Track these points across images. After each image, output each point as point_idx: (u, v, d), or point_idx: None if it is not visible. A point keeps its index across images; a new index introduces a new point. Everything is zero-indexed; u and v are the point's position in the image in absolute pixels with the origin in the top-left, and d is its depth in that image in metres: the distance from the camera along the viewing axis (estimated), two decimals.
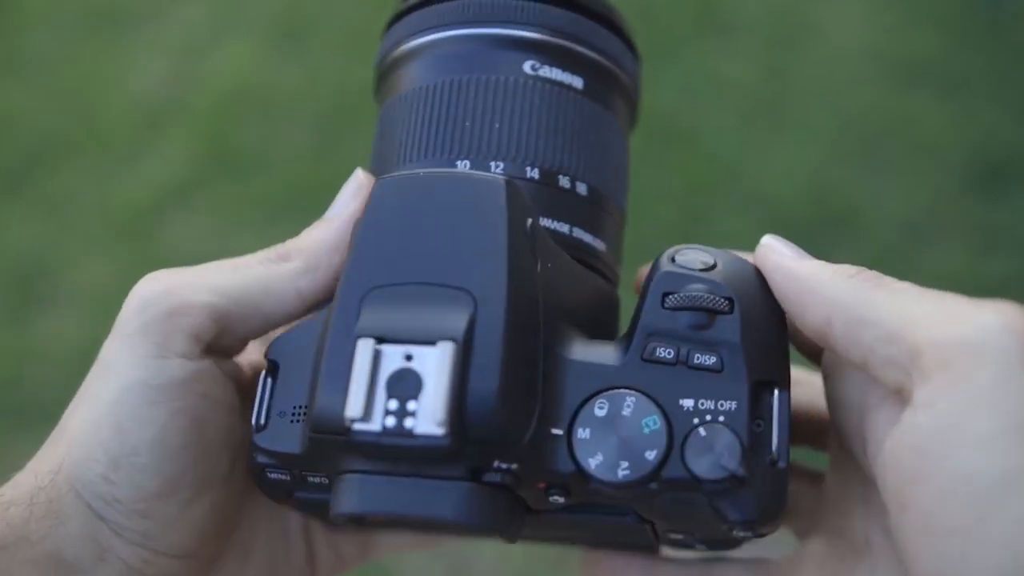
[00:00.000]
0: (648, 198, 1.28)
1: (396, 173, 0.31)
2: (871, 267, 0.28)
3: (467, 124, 0.33)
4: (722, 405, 0.28)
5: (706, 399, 0.28)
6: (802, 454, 0.36)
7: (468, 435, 0.26)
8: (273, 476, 0.30)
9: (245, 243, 0.34)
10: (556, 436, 0.28)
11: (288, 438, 0.29)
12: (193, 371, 0.30)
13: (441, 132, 0.33)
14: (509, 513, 0.28)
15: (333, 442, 0.27)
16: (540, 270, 0.29)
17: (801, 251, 0.30)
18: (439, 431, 0.26)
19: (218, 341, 0.31)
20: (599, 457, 0.27)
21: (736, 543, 0.32)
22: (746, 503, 0.27)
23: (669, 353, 0.28)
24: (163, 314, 0.30)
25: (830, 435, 0.32)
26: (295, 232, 0.33)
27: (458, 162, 0.33)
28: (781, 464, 0.28)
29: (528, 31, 0.34)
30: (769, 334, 0.29)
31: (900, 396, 0.26)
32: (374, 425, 0.26)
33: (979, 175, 1.35)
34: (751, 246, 0.31)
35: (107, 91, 1.57)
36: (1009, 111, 1.40)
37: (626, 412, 0.28)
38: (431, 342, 0.27)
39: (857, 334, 0.27)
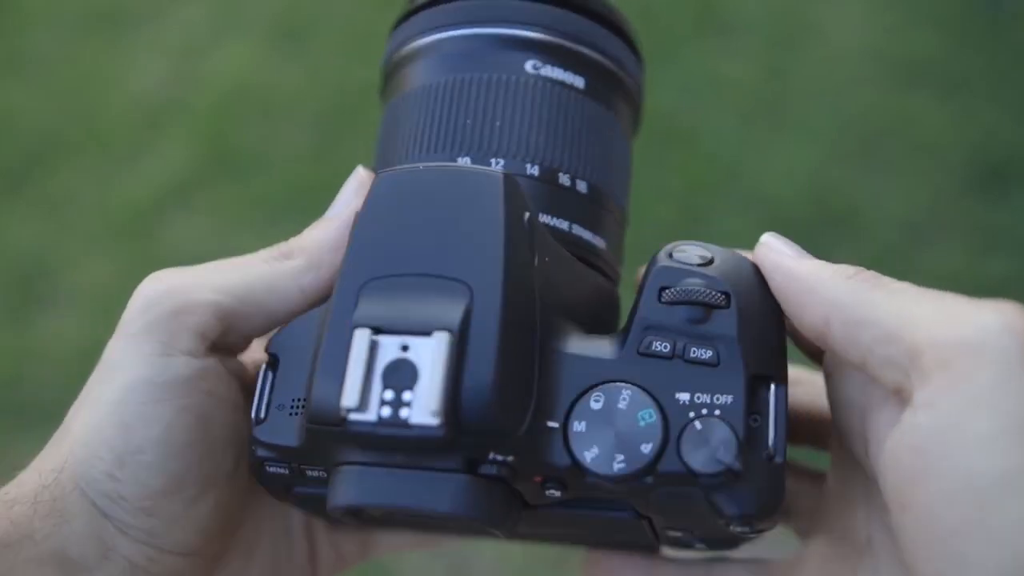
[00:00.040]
0: (648, 198, 1.28)
1: (396, 167, 0.31)
2: (871, 267, 0.28)
3: (468, 122, 0.33)
4: (718, 399, 0.28)
5: (702, 393, 0.28)
6: (804, 454, 0.36)
7: (463, 426, 0.26)
8: (272, 470, 0.31)
9: (245, 243, 0.34)
10: (552, 429, 0.28)
11: (287, 431, 0.29)
12: (198, 369, 0.30)
13: (442, 130, 0.33)
14: (505, 506, 0.28)
15: (330, 433, 0.27)
16: (537, 264, 0.29)
17: (801, 250, 0.30)
18: (434, 421, 0.26)
19: (223, 339, 0.32)
20: (595, 450, 0.27)
21: (735, 542, 0.32)
22: (742, 498, 0.27)
23: (665, 347, 0.28)
24: (168, 312, 0.30)
25: (831, 435, 0.32)
26: (295, 232, 0.34)
27: (459, 159, 0.33)
28: (778, 459, 0.28)
29: (530, 31, 0.35)
30: (766, 329, 0.29)
31: (900, 396, 0.26)
32: (370, 415, 0.26)
33: (979, 175, 1.35)
34: (751, 246, 0.31)
35: (107, 91, 1.57)
36: (1009, 111, 1.40)
37: (622, 405, 0.28)
38: (427, 333, 0.27)
39: (856, 334, 0.27)
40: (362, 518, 0.30)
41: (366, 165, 0.35)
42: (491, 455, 0.27)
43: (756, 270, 0.30)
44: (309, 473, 0.30)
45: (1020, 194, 1.33)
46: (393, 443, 0.27)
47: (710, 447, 0.27)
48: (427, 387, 0.26)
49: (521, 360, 0.28)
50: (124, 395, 0.30)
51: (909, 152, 1.38)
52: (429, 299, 0.27)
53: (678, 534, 0.31)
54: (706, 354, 0.28)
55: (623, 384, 0.28)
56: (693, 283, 0.29)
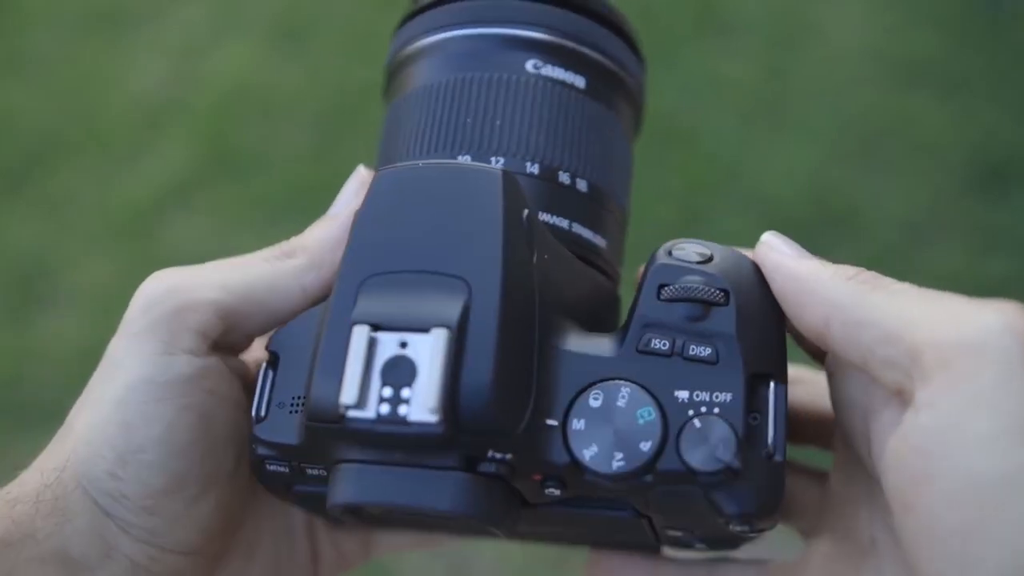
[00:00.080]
0: (648, 198, 1.28)
1: (395, 165, 0.31)
2: (871, 267, 0.28)
3: (468, 121, 0.33)
4: (717, 397, 0.27)
5: (701, 391, 0.28)
6: (807, 453, 0.36)
7: (462, 423, 0.26)
8: (272, 468, 0.31)
9: (245, 243, 0.34)
10: (551, 427, 0.28)
11: (287, 429, 0.29)
12: (200, 368, 0.30)
13: (443, 129, 0.34)
14: (504, 504, 0.28)
15: (329, 430, 0.27)
16: (536, 261, 0.29)
17: (801, 249, 0.30)
18: (432, 418, 0.26)
19: (224, 338, 0.32)
20: (594, 448, 0.27)
21: (736, 542, 0.32)
22: (742, 496, 0.27)
23: (664, 344, 0.28)
24: (170, 311, 0.30)
25: (835, 434, 0.32)
26: (295, 232, 0.34)
27: (459, 157, 0.33)
28: (778, 458, 0.28)
29: (531, 31, 0.35)
30: (766, 327, 0.29)
31: (901, 397, 0.26)
32: (368, 412, 0.26)
33: (979, 175, 1.35)
34: (751, 246, 0.31)
35: (107, 91, 1.57)
36: (1009, 111, 1.40)
37: (621, 403, 0.28)
38: (425, 329, 0.27)
39: (856, 335, 0.27)
40: (362, 516, 0.30)
41: (367, 165, 0.35)
42: (490, 453, 0.27)
43: (756, 268, 0.30)
44: (309, 471, 0.30)
45: (1020, 194, 1.33)
46: (392, 440, 0.27)
47: (709, 445, 0.27)
48: (425, 384, 0.26)
49: (520, 357, 0.28)
50: (126, 394, 0.30)
51: (909, 152, 1.38)
52: (428, 296, 0.27)
53: (678, 534, 0.31)
54: (705, 352, 0.28)
55: (622, 382, 0.28)
56: (692, 280, 0.29)
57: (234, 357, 0.33)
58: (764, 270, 0.30)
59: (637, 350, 0.28)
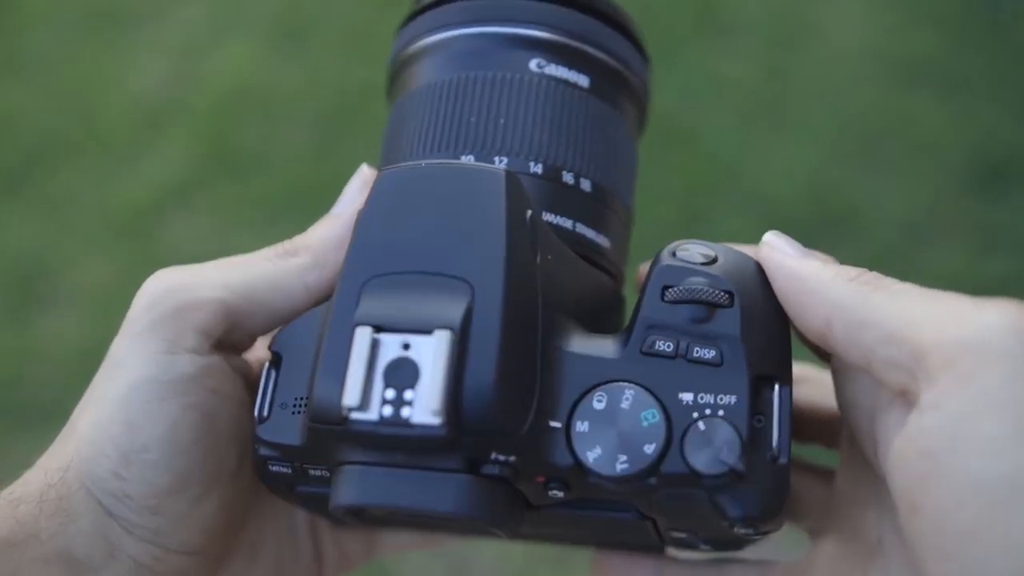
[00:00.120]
0: (648, 198, 1.27)
1: (398, 165, 0.31)
2: (871, 267, 0.28)
3: (472, 120, 0.33)
4: (722, 399, 0.27)
5: (705, 393, 0.27)
6: (813, 452, 0.36)
7: (464, 425, 0.26)
8: (275, 469, 0.30)
9: (245, 243, 0.34)
10: (554, 429, 0.28)
11: (289, 429, 0.29)
12: (203, 367, 0.30)
13: (446, 128, 0.33)
14: (507, 506, 0.28)
15: (331, 432, 0.27)
16: (540, 262, 0.29)
17: (804, 249, 0.30)
18: (435, 420, 0.26)
19: (227, 337, 0.32)
20: (597, 450, 0.27)
21: (741, 543, 0.32)
22: (746, 499, 0.27)
23: (668, 346, 0.28)
24: (173, 310, 0.30)
25: (841, 434, 0.32)
26: (295, 232, 0.34)
27: (462, 156, 0.33)
28: (782, 460, 0.28)
29: (534, 30, 0.35)
30: (770, 329, 0.29)
31: (906, 398, 0.26)
32: (371, 414, 0.26)
33: (979, 175, 1.35)
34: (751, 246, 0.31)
35: (107, 91, 1.57)
36: (1009, 111, 1.40)
37: (625, 405, 0.27)
38: (428, 331, 0.27)
39: (858, 336, 0.27)
40: (364, 518, 0.30)
41: (369, 164, 0.35)
42: (493, 455, 0.27)
43: (760, 269, 0.30)
44: (312, 472, 0.30)
45: (1020, 194, 1.33)
46: (395, 442, 0.27)
47: (713, 448, 0.27)
48: (428, 386, 0.26)
49: (523, 359, 0.28)
50: (129, 393, 0.30)
51: (909, 152, 1.38)
52: (431, 297, 0.27)
53: (682, 535, 0.31)
54: (709, 354, 0.28)
55: (626, 384, 0.28)
56: (696, 282, 0.28)
57: (237, 356, 0.33)
58: (767, 270, 0.29)
59: (641, 352, 0.28)
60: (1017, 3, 1.52)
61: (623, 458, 0.27)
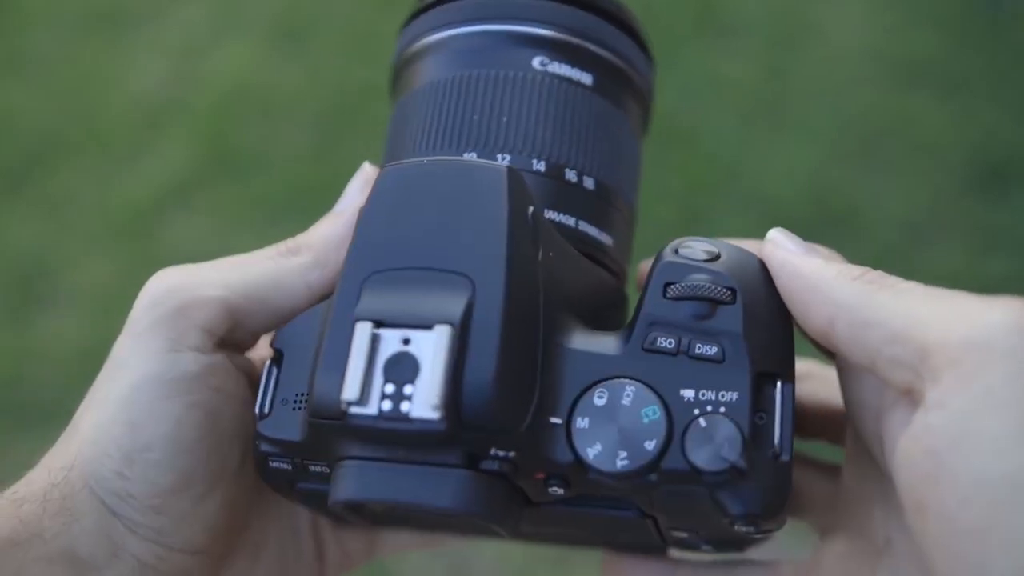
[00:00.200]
0: (648, 198, 1.27)
1: (400, 162, 0.31)
2: (871, 267, 0.28)
3: (475, 118, 0.33)
4: (723, 396, 0.27)
5: (707, 390, 0.27)
6: (817, 448, 0.36)
7: (464, 420, 0.26)
8: (275, 465, 0.31)
9: (245, 243, 0.34)
10: (555, 425, 0.28)
11: (290, 425, 0.29)
12: (206, 365, 0.30)
13: (449, 126, 0.33)
14: (506, 503, 0.28)
15: (331, 427, 0.27)
16: (541, 258, 0.29)
17: (808, 247, 0.29)
18: (434, 415, 0.26)
19: (230, 335, 0.32)
20: (598, 447, 0.27)
21: (742, 543, 0.32)
22: (747, 496, 0.27)
23: (670, 343, 0.28)
24: (175, 309, 0.30)
25: (846, 430, 0.32)
26: (295, 232, 0.34)
27: (465, 154, 0.33)
28: (784, 458, 0.27)
29: (538, 27, 0.35)
30: (773, 326, 0.29)
31: (911, 397, 0.26)
32: (370, 409, 0.26)
33: (979, 175, 1.35)
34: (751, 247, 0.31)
35: (107, 91, 1.57)
36: (1009, 111, 1.40)
37: (625, 402, 0.27)
38: (428, 326, 0.27)
39: (862, 336, 0.27)
40: (364, 514, 0.30)
41: (372, 162, 0.35)
42: (492, 450, 0.27)
43: (764, 266, 0.29)
44: (312, 468, 0.30)
45: (1020, 194, 1.33)
46: (394, 437, 0.27)
47: (714, 444, 0.27)
48: (428, 381, 0.26)
49: (523, 355, 0.28)
50: (132, 392, 0.30)
51: (909, 152, 1.38)
52: (431, 293, 0.27)
53: (683, 535, 0.31)
54: (711, 350, 0.28)
55: (627, 380, 0.28)
56: (699, 279, 0.28)
57: (240, 355, 0.33)
58: (770, 267, 0.29)
59: (643, 348, 0.28)
60: (1017, 3, 1.52)
61: (623, 454, 0.27)
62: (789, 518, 0.32)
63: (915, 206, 1.33)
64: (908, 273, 0.28)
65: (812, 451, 0.36)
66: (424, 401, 0.26)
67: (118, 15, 1.67)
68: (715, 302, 0.28)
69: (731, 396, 0.27)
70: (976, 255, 1.28)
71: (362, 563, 0.38)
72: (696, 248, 0.29)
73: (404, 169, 0.30)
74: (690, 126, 1.40)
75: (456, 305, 0.27)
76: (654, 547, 0.33)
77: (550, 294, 0.29)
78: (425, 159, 0.31)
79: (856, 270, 0.28)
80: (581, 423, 0.27)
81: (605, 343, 0.29)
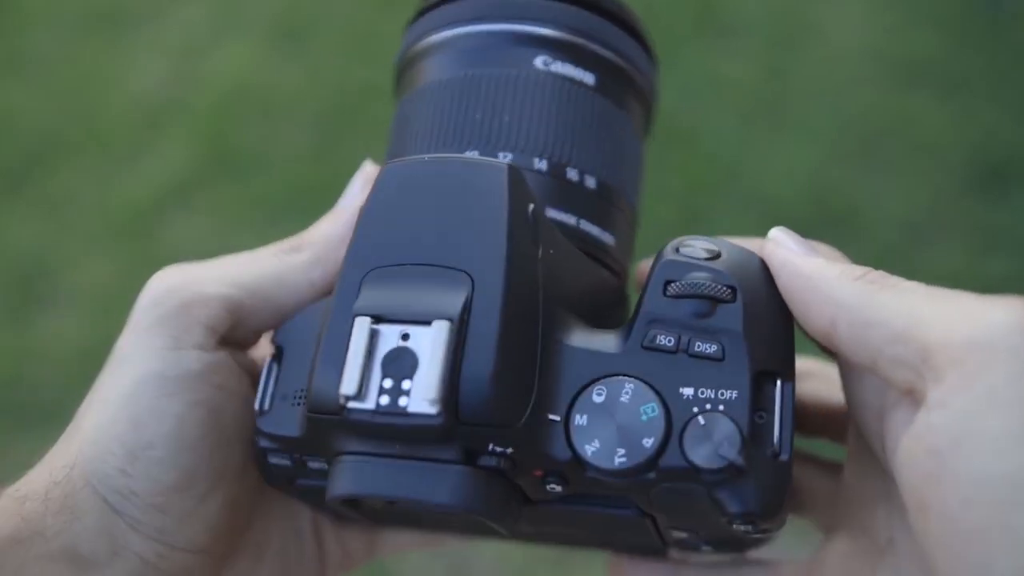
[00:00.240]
0: (648, 198, 1.27)
1: (401, 159, 0.31)
2: (872, 267, 0.28)
3: (477, 116, 0.33)
4: (723, 394, 0.27)
5: (706, 388, 0.27)
6: (818, 445, 0.36)
7: (461, 415, 0.26)
8: (274, 461, 0.31)
9: (245, 243, 0.34)
10: (553, 422, 0.28)
11: (289, 421, 0.29)
12: (209, 363, 0.31)
13: (451, 124, 0.34)
14: (504, 499, 0.28)
15: (329, 421, 0.27)
16: (542, 256, 0.29)
17: (810, 246, 0.29)
18: (432, 410, 0.26)
19: (233, 333, 0.32)
20: (596, 444, 0.27)
21: (741, 544, 0.32)
22: (746, 495, 0.27)
23: (670, 341, 0.28)
24: (178, 306, 0.30)
25: (848, 429, 0.32)
26: (295, 232, 0.34)
27: (467, 152, 0.33)
28: (783, 457, 0.27)
29: (540, 27, 0.35)
30: (774, 325, 0.29)
31: (913, 397, 0.26)
32: (368, 403, 0.27)
33: (979, 175, 1.35)
34: (751, 247, 0.31)
35: (107, 91, 1.57)
36: (1009, 111, 1.40)
37: (624, 399, 0.27)
38: (427, 322, 0.27)
39: (863, 336, 0.26)
40: (362, 511, 0.30)
41: (372, 161, 0.35)
42: (490, 446, 0.27)
43: (764, 265, 0.29)
44: (311, 465, 0.30)
45: (1020, 194, 1.33)
46: (391, 432, 0.27)
47: (713, 442, 0.26)
48: (426, 376, 0.26)
49: (522, 351, 0.28)
50: (135, 390, 0.30)
51: (909, 152, 1.38)
52: (430, 289, 0.27)
53: (683, 535, 0.31)
54: (711, 348, 0.28)
55: (626, 378, 0.28)
56: (699, 277, 0.28)
57: (242, 353, 0.33)
58: (771, 267, 0.29)
59: (642, 346, 0.28)
60: (1017, 3, 1.52)
61: (621, 451, 0.27)
62: (791, 516, 0.32)
63: (915, 206, 1.33)
64: (908, 273, 0.28)
65: (814, 449, 0.36)
66: (422, 396, 0.26)
67: (118, 15, 1.67)
68: (715, 300, 0.28)
69: (730, 394, 0.27)
70: (976, 255, 1.28)
71: (363, 563, 0.38)
72: (697, 247, 0.29)
73: (405, 166, 0.30)
74: (690, 126, 1.40)
75: (455, 301, 0.27)
76: (654, 548, 0.33)
77: (550, 291, 0.29)
78: (426, 156, 0.31)
79: (857, 270, 0.28)
80: (579, 420, 0.27)
81: (604, 341, 0.29)
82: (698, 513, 0.28)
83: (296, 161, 1.45)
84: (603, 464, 0.27)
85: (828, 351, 0.30)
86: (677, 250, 0.29)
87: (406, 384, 0.26)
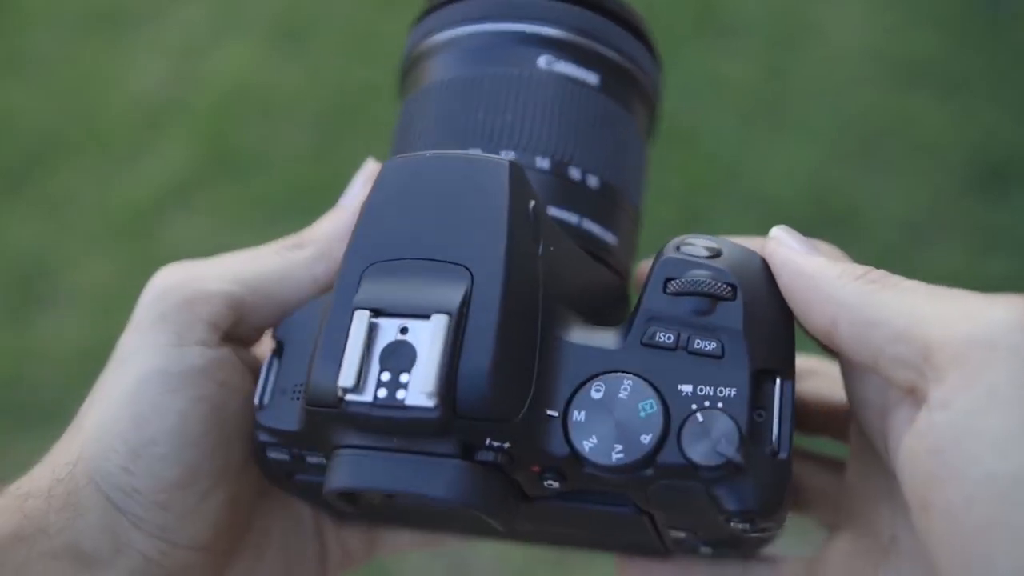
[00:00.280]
0: (648, 198, 1.27)
1: (403, 155, 0.31)
2: (872, 267, 0.28)
3: (479, 115, 0.33)
4: (721, 391, 0.27)
5: (705, 385, 0.27)
6: (819, 443, 0.36)
7: (458, 408, 0.26)
8: (273, 456, 0.31)
9: (245, 243, 0.34)
10: (551, 417, 0.28)
11: (288, 415, 0.30)
12: (212, 359, 0.31)
13: (453, 123, 0.34)
14: (501, 494, 0.28)
15: (327, 414, 0.27)
16: (542, 252, 0.29)
17: (811, 245, 0.29)
18: (429, 402, 0.26)
19: (235, 329, 0.32)
20: (593, 440, 0.27)
21: (741, 545, 0.32)
22: (744, 493, 0.27)
23: (669, 338, 0.28)
24: (181, 302, 0.30)
25: (850, 427, 0.32)
26: (295, 232, 0.34)
27: (469, 150, 0.33)
28: (782, 455, 0.27)
29: (544, 27, 0.35)
30: (774, 323, 0.29)
31: (914, 396, 0.26)
32: (366, 396, 0.27)
33: (979, 175, 1.35)
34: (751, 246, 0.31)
35: (107, 91, 1.57)
36: (1009, 111, 1.40)
37: (623, 395, 0.27)
38: (426, 315, 0.27)
39: (865, 335, 0.26)
40: (360, 506, 0.30)
41: (375, 159, 0.35)
42: (488, 441, 0.27)
43: (765, 264, 0.29)
44: (309, 460, 0.30)
45: (1020, 194, 1.33)
46: (389, 424, 0.27)
47: (711, 439, 0.26)
48: (424, 369, 0.26)
49: (521, 346, 0.28)
50: (138, 386, 0.30)
51: (909, 152, 1.38)
52: (430, 283, 0.27)
53: (681, 535, 0.31)
54: (710, 346, 0.28)
55: (625, 374, 0.28)
56: (699, 274, 0.28)
57: (245, 350, 0.33)
58: (772, 266, 0.29)
59: (641, 343, 0.28)
60: (1017, 3, 1.52)
61: (619, 448, 0.27)
62: (794, 515, 0.32)
63: (915, 206, 1.33)
64: (908, 273, 0.27)
65: (816, 447, 0.36)
66: (419, 389, 0.26)
67: (118, 15, 1.67)
68: (715, 298, 0.28)
69: (729, 392, 0.27)
70: (976, 255, 1.28)
71: (363, 562, 0.38)
72: (698, 245, 0.29)
73: (406, 162, 0.30)
74: (690, 126, 1.40)
75: (454, 295, 0.27)
76: (654, 549, 0.33)
77: (550, 288, 0.29)
78: (427, 152, 0.31)
79: (859, 269, 0.28)
80: (577, 416, 0.27)
81: (604, 337, 0.29)
82: (696, 511, 0.28)
83: (296, 161, 1.45)
84: (600, 460, 0.27)
85: (829, 350, 0.30)
86: (678, 248, 0.29)
87: (404, 377, 0.27)
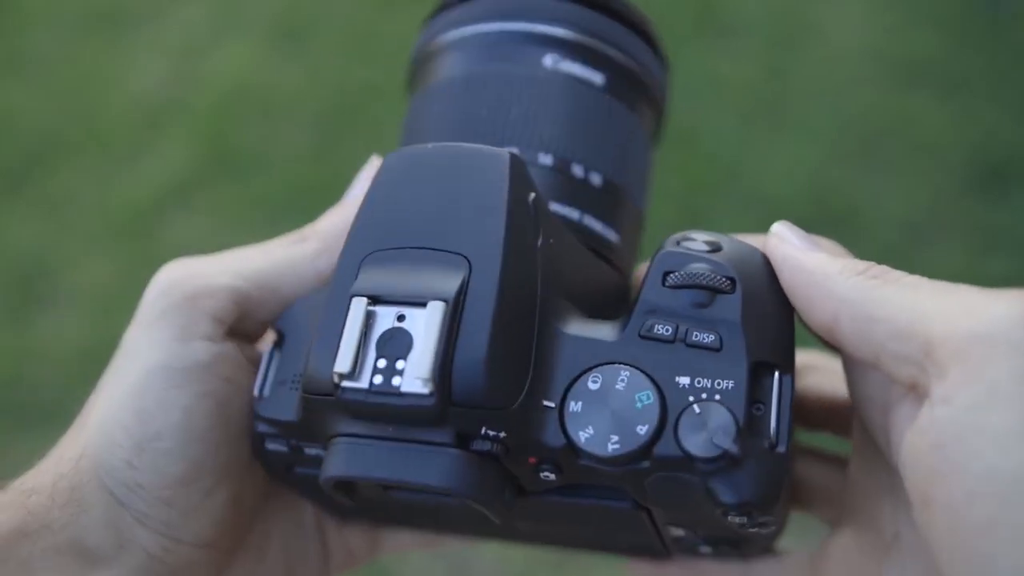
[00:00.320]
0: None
1: (405, 147, 0.31)
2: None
3: (483, 112, 0.34)
4: (719, 384, 0.27)
5: (703, 377, 0.27)
6: (821, 439, 0.35)
7: (454, 396, 0.26)
8: (272, 447, 0.31)
9: (245, 243, 0.34)
10: (548, 408, 0.28)
11: (287, 406, 0.30)
12: (217, 354, 0.31)
13: (458, 120, 0.34)
14: (496, 484, 0.28)
15: (324, 402, 0.27)
16: (541, 244, 0.29)
17: (812, 241, 0.29)
18: (424, 389, 0.26)
19: (240, 324, 0.32)
20: (589, 431, 0.27)
21: (741, 543, 0.32)
22: (740, 485, 0.26)
23: (667, 330, 0.28)
24: (185, 297, 0.30)
25: (852, 423, 0.32)
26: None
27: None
28: (780, 449, 0.27)
29: (551, 27, 0.35)
30: (773, 317, 0.29)
31: (916, 392, 0.26)
32: (362, 382, 0.27)
33: (979, 175, 1.35)
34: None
35: (107, 91, 1.57)
36: (1009, 111, 1.40)
37: (620, 387, 0.27)
38: (422, 303, 0.27)
39: (866, 331, 0.26)
40: (358, 499, 0.30)
41: (379, 156, 0.35)
42: (483, 430, 0.27)
43: (766, 259, 0.29)
44: (308, 452, 0.30)
45: (1020, 194, 1.33)
46: (384, 411, 0.27)
47: (708, 431, 0.26)
48: (419, 356, 0.26)
49: (517, 336, 0.28)
50: (143, 381, 0.30)
51: (909, 152, 1.38)
52: (427, 271, 0.27)
53: (680, 533, 0.31)
54: (708, 338, 0.27)
55: (622, 366, 0.28)
56: (698, 267, 0.28)
57: (249, 345, 0.33)
58: (773, 262, 0.29)
59: (639, 335, 0.28)
60: (1017, 3, 1.52)
61: (615, 439, 0.27)
62: (796, 511, 0.32)
63: (915, 206, 1.33)
64: (908, 273, 0.28)
65: (818, 443, 0.36)
66: (415, 375, 0.26)
67: (118, 15, 1.67)
68: (714, 291, 0.28)
69: (727, 384, 0.27)
70: (976, 255, 1.28)
71: (365, 562, 0.38)
72: (698, 240, 0.29)
73: (407, 153, 0.30)
74: (690, 126, 1.40)
75: (451, 283, 0.27)
76: (654, 550, 0.33)
77: (548, 280, 0.29)
78: (429, 144, 0.31)
79: (860, 265, 0.28)
80: (574, 407, 0.27)
81: (602, 330, 0.29)
82: (693, 505, 0.28)
83: (296, 161, 1.45)
84: (596, 451, 0.27)
85: (831, 346, 0.31)
86: (678, 243, 0.29)
87: (400, 364, 0.27)
